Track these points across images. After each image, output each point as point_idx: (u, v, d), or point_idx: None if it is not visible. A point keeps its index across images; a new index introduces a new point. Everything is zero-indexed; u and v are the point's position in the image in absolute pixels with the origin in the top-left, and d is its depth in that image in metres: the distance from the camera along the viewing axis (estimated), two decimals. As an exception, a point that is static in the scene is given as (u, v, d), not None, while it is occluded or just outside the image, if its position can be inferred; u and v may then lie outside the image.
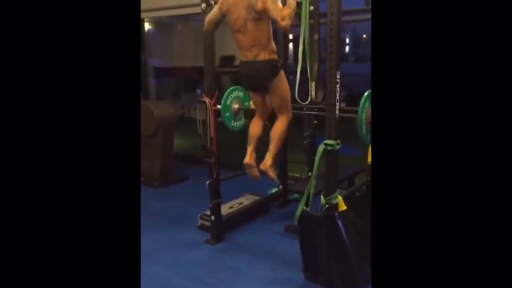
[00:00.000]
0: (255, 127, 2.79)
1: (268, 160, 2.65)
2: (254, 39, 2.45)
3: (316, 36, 2.91)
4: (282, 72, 2.57)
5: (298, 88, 2.77)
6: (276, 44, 2.57)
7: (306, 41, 2.63)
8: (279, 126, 2.67)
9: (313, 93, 2.91)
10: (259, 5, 2.34)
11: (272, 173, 2.68)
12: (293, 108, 2.99)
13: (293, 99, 2.77)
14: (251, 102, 2.96)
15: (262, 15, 2.38)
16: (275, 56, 2.52)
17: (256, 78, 2.55)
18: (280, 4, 2.38)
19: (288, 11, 2.28)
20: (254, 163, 2.70)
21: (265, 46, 2.46)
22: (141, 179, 4.48)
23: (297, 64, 2.73)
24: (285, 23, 2.28)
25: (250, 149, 2.72)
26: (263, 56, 2.47)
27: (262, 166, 2.66)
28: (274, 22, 2.37)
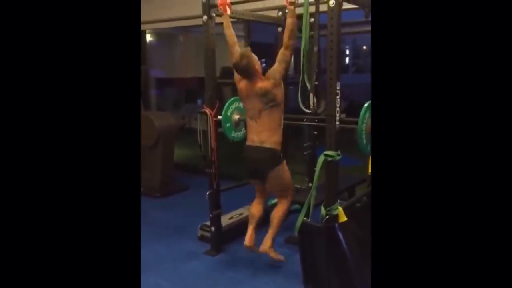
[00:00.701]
0: (256, 209, 2.86)
1: (268, 242, 2.73)
2: (265, 126, 2.58)
3: (315, 48, 2.93)
4: (284, 163, 2.67)
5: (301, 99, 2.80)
6: (275, 54, 2.60)
7: (305, 53, 2.65)
8: (280, 211, 2.77)
9: (312, 103, 2.93)
10: (277, 91, 2.53)
11: (273, 254, 2.74)
12: (293, 119, 3.00)
13: (294, 110, 2.78)
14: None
15: (279, 101, 2.55)
16: (279, 147, 2.63)
17: (258, 164, 2.64)
18: (277, 60, 2.52)
19: (287, 34, 2.44)
20: (253, 246, 2.78)
21: (273, 134, 2.59)
22: (142, 189, 4.47)
23: (300, 75, 2.77)
24: (291, 48, 2.48)
25: (250, 229, 2.80)
26: (268, 144, 2.58)
27: (261, 249, 2.73)
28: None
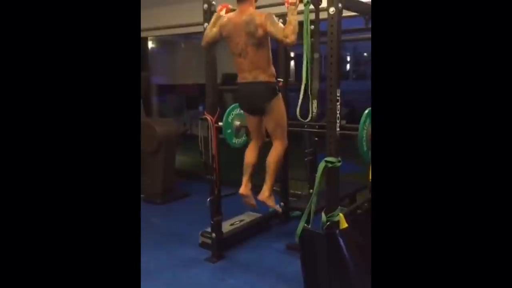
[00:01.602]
0: (250, 154, 2.82)
1: (265, 191, 2.69)
2: (254, 63, 2.52)
3: (317, 55, 2.94)
4: (280, 95, 2.63)
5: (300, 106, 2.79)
6: (278, 62, 2.61)
7: (308, 59, 2.65)
8: (274, 154, 2.70)
9: (315, 110, 2.93)
10: (260, 32, 2.43)
11: (271, 203, 2.71)
12: (294, 126, 3.00)
13: (295, 117, 2.78)
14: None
15: (262, 41, 2.46)
16: (274, 79, 2.59)
17: (254, 99, 2.61)
18: (280, 24, 2.46)
19: (289, 27, 2.35)
20: (249, 193, 2.74)
21: (264, 70, 2.54)
22: (143, 196, 4.47)
23: (301, 82, 2.76)
24: (290, 39, 2.34)
25: (245, 178, 2.76)
26: (262, 78, 2.54)
27: (260, 198, 2.69)
28: (278, 41, 2.44)
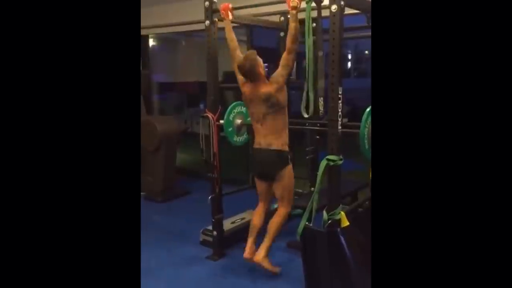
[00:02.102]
0: (258, 217, 2.86)
1: (262, 251, 2.71)
2: (270, 129, 2.61)
3: (320, 53, 2.93)
4: (290, 164, 2.70)
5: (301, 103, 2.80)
6: (277, 59, 2.61)
7: (310, 57, 2.66)
8: (277, 219, 2.76)
9: (322, 108, 2.93)
10: (281, 98, 2.55)
11: (266, 264, 2.71)
12: (296, 124, 3.00)
13: (296, 114, 2.78)
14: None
15: (283, 106, 2.58)
16: (286, 148, 2.67)
17: (266, 167, 2.69)
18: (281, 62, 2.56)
19: (289, 39, 2.46)
20: (254, 257, 2.75)
21: (279, 136, 2.62)
22: (144, 193, 4.47)
23: (303, 80, 2.77)
24: (292, 50, 2.48)
25: (250, 241, 2.79)
26: (275, 146, 2.62)
27: (256, 258, 2.70)
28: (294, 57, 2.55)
